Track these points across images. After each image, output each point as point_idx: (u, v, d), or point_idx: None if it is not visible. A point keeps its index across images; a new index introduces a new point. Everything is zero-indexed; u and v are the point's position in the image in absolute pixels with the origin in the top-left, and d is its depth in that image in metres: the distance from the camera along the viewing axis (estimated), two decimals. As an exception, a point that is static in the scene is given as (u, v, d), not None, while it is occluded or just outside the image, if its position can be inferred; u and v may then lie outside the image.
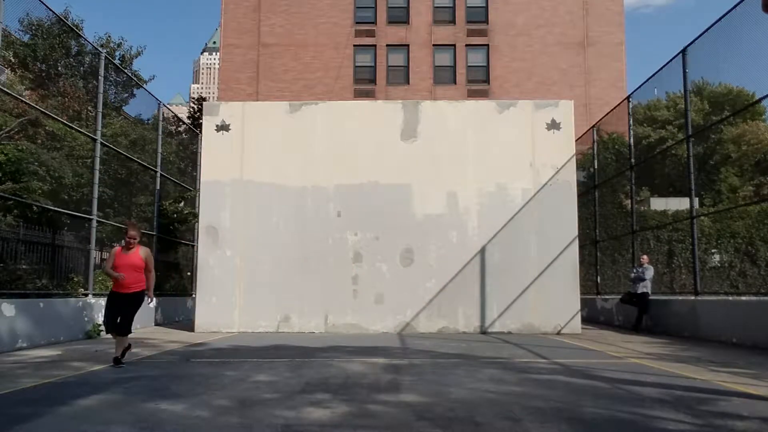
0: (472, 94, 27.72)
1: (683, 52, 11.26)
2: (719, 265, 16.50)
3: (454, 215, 12.21)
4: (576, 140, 13.14)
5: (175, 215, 14.98)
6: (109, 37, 21.72)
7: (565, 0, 28.74)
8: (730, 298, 10.82)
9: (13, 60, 16.19)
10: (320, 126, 12.50)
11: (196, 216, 14.70)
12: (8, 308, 8.14)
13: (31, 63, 16.13)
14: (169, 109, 16.10)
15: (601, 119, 17.33)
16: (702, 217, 14.82)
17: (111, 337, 6.93)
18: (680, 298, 11.83)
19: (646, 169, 17.11)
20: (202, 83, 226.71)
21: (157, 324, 13.41)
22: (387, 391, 5.03)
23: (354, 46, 29.11)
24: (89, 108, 13.59)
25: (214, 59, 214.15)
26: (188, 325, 12.75)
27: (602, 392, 5.02)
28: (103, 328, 10.37)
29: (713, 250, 16.82)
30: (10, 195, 9.63)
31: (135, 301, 6.87)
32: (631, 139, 14.42)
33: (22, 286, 9.27)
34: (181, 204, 15.56)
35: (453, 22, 29.13)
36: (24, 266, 9.80)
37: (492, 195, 12.21)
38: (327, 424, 3.77)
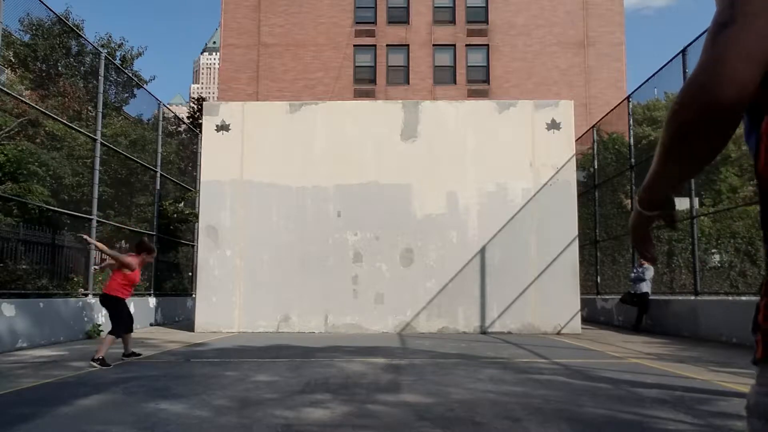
0: (472, 94, 27.72)
1: (683, 52, 11.27)
2: (719, 265, 16.50)
3: (454, 215, 12.21)
4: (576, 140, 13.15)
5: (175, 215, 14.99)
6: (110, 37, 21.75)
7: (564, 0, 28.73)
8: (730, 298, 10.83)
9: (13, 60, 16.21)
10: (320, 126, 12.50)
11: (196, 216, 14.71)
12: (8, 308, 8.14)
13: (31, 63, 16.14)
14: (169, 109, 16.10)
15: (601, 119, 17.33)
16: (702, 217, 14.83)
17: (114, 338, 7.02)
18: (680, 298, 11.83)
19: (645, 169, 17.10)
20: (202, 83, 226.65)
21: (157, 324, 13.41)
22: (387, 391, 5.02)
23: (354, 46, 29.10)
24: (89, 108, 13.60)
25: (214, 59, 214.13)
26: (188, 325, 12.75)
27: (602, 392, 5.02)
28: (103, 328, 10.41)
29: (713, 250, 16.82)
30: (10, 195, 9.63)
31: None
32: (631, 139, 14.43)
33: (22, 286, 9.28)
34: (181, 204, 15.57)
35: (453, 22, 29.12)
36: (24, 266, 9.80)
37: (492, 195, 12.21)
38: (327, 424, 3.77)
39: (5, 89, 10.78)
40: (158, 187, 14.17)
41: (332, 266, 12.08)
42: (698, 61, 0.90)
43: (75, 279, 10.60)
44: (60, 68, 16.37)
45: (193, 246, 16.32)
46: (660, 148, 1.01)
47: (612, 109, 16.14)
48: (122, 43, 22.13)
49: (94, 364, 6.56)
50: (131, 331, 7.31)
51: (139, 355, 7.40)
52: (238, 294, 12.02)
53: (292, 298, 11.96)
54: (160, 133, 14.50)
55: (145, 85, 20.29)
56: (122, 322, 7.05)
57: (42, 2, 9.90)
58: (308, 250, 12.12)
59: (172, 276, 15.44)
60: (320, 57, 28.79)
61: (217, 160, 12.43)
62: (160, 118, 14.71)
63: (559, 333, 11.71)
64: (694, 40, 10.86)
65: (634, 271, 12.66)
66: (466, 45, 28.97)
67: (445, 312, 11.97)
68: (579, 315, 11.97)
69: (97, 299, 10.57)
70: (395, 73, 29.06)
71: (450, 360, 7.35)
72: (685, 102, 0.91)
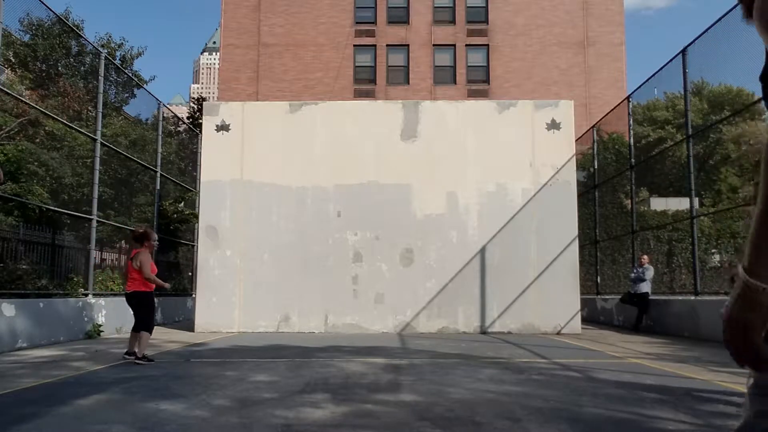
0: (472, 94, 27.72)
1: (683, 52, 11.27)
2: (719, 265, 16.50)
3: (454, 215, 12.21)
4: (576, 140, 13.15)
5: (175, 215, 14.99)
6: (110, 37, 21.76)
7: (564, 0, 28.73)
8: (730, 298, 10.81)
9: (13, 60, 16.22)
10: (320, 126, 12.50)
11: (196, 216, 14.72)
12: (8, 308, 8.14)
13: (31, 63, 16.15)
14: (169, 109, 16.10)
15: (601, 119, 17.33)
16: (702, 217, 14.84)
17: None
18: (680, 298, 11.83)
19: (646, 169, 17.12)
20: (202, 83, 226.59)
21: (157, 324, 13.39)
22: (387, 391, 5.02)
23: (354, 46, 29.10)
24: (89, 108, 13.60)
25: (214, 59, 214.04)
26: (188, 325, 12.75)
27: (602, 392, 5.02)
28: (103, 329, 10.43)
29: (713, 250, 16.83)
30: (10, 195, 9.63)
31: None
32: (631, 139, 14.43)
33: (22, 286, 9.27)
34: (181, 204, 15.57)
35: (453, 22, 29.12)
36: (24, 266, 9.80)
37: (492, 195, 12.21)
38: (327, 424, 3.77)
39: (5, 89, 10.78)
40: (158, 187, 14.17)
41: (332, 266, 12.08)
42: None
43: (75, 279, 10.60)
44: (60, 68, 16.37)
45: (193, 246, 16.32)
46: (762, 193, 0.89)
47: (612, 109, 16.14)
48: (122, 43, 22.15)
49: (141, 362, 6.70)
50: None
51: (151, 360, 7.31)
52: (238, 294, 12.02)
53: (292, 298, 11.96)
54: (160, 133, 14.50)
55: (145, 85, 20.29)
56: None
57: (42, 2, 9.90)
58: (308, 250, 12.12)
59: (172, 276, 15.44)
60: (320, 57, 28.79)
61: (217, 160, 12.42)
62: (160, 118, 14.71)
63: (559, 333, 11.70)
64: (694, 40, 10.85)
65: (634, 271, 12.66)
66: (466, 45, 28.96)
67: (445, 312, 11.97)
68: (579, 315, 11.97)
69: (97, 299, 10.59)
70: (395, 73, 29.06)
71: (450, 360, 7.35)
72: None
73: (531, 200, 12.14)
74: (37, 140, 13.50)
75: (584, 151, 17.22)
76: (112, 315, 10.77)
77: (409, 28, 29.16)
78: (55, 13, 11.31)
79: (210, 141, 12.56)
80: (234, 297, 12.00)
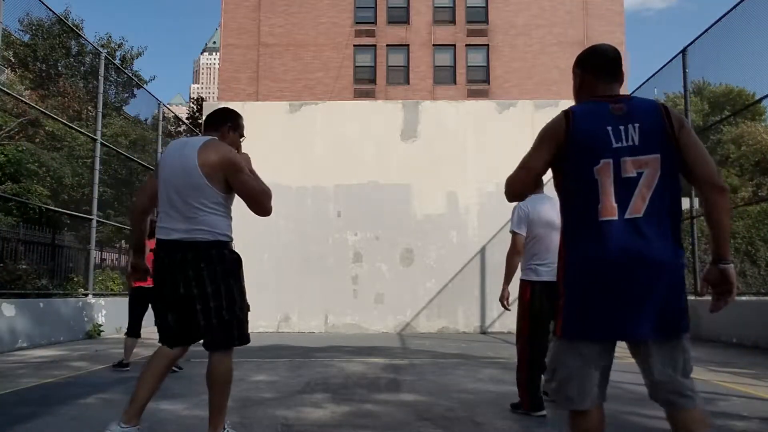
0: (472, 94, 27.71)
1: (683, 51, 11.26)
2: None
3: (454, 215, 12.21)
4: (576, 140, 13.14)
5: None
6: (110, 37, 21.78)
7: (564, 0, 28.72)
8: (730, 298, 10.80)
9: (13, 60, 16.22)
10: (320, 126, 12.50)
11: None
12: (8, 308, 8.14)
13: (31, 63, 16.16)
14: (169, 109, 16.10)
15: (601, 119, 17.30)
16: (702, 217, 14.82)
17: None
18: (680, 298, 11.81)
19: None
20: (202, 83, 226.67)
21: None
22: (387, 390, 5.02)
23: (354, 46, 29.09)
24: (89, 108, 13.62)
25: (214, 59, 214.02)
26: (188, 325, 12.75)
27: (602, 392, 5.01)
28: (103, 329, 10.41)
29: (713, 250, 16.80)
30: (10, 195, 9.64)
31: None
32: (631, 139, 14.40)
33: (22, 286, 9.28)
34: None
35: (453, 22, 29.12)
36: (24, 266, 9.80)
37: (492, 195, 12.21)
38: (327, 424, 3.77)
39: (5, 89, 10.78)
40: (158, 187, 14.16)
41: (332, 266, 12.08)
42: (510, 178, 2.41)
43: (75, 279, 10.60)
44: (60, 68, 16.38)
45: (193, 246, 16.32)
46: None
47: (612, 109, 16.10)
48: (122, 43, 22.18)
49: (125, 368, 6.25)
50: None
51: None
52: (238, 294, 12.02)
53: (292, 298, 11.97)
54: (160, 133, 14.48)
55: (145, 85, 20.29)
56: None
57: (42, 2, 9.90)
58: (308, 250, 12.12)
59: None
60: (320, 57, 28.77)
61: (217, 160, 12.41)
62: (160, 118, 14.70)
63: (559, 333, 11.70)
64: (694, 40, 10.85)
65: (634, 271, 12.66)
66: (466, 45, 28.96)
67: (445, 312, 11.98)
68: (579, 315, 11.95)
69: (97, 299, 10.59)
70: (395, 73, 29.04)
71: (450, 360, 7.35)
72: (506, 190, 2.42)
73: (531, 200, 12.13)
74: (37, 140, 13.51)
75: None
76: (112, 315, 10.76)
77: (409, 28, 29.16)
78: (54, 13, 11.32)
79: (210, 141, 12.56)
80: (234, 297, 11.99)
